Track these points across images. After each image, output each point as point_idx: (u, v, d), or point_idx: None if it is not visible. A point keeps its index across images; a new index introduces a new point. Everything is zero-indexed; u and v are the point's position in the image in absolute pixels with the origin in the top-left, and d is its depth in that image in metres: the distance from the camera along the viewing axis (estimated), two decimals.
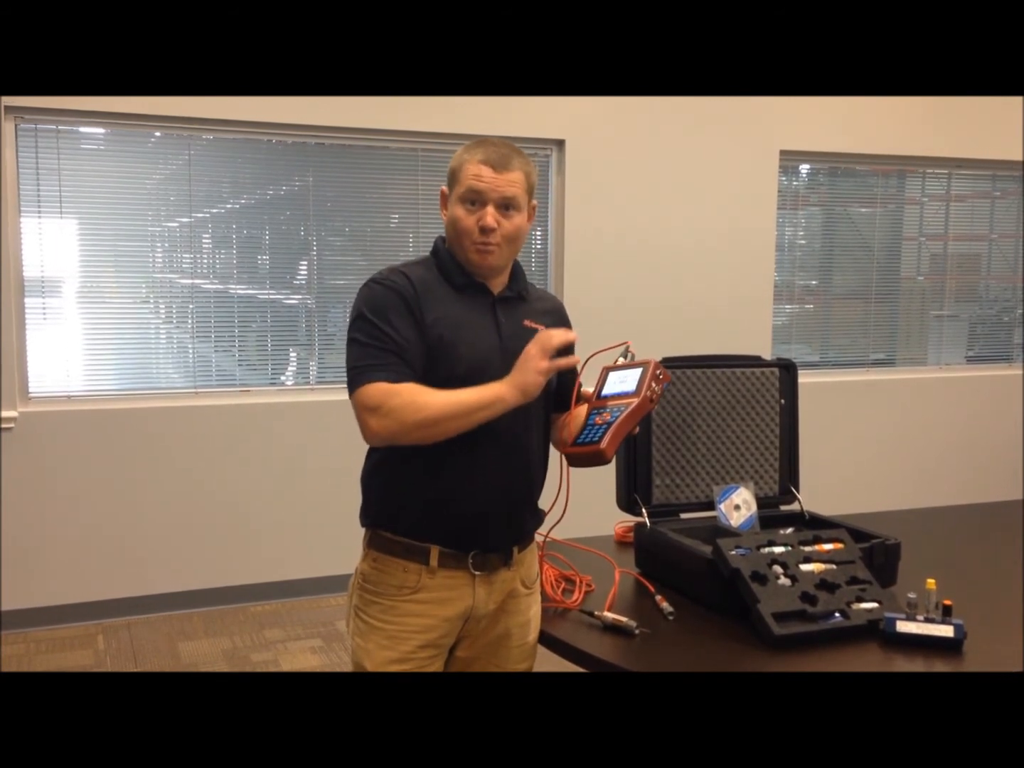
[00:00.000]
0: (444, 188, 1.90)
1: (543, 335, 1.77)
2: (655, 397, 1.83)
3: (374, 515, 1.89)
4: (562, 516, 1.93)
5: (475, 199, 1.82)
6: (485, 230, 1.81)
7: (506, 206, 1.83)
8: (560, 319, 2.02)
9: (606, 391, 1.88)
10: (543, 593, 2.08)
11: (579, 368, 2.06)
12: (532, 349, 1.75)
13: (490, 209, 1.81)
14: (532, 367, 1.73)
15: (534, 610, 1.99)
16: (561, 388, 1.99)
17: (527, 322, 1.92)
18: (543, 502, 1.97)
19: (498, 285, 1.91)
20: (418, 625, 1.83)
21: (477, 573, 1.85)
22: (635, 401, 1.81)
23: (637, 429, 1.90)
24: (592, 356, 1.94)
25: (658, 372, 1.84)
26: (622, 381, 1.86)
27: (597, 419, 1.82)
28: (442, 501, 1.82)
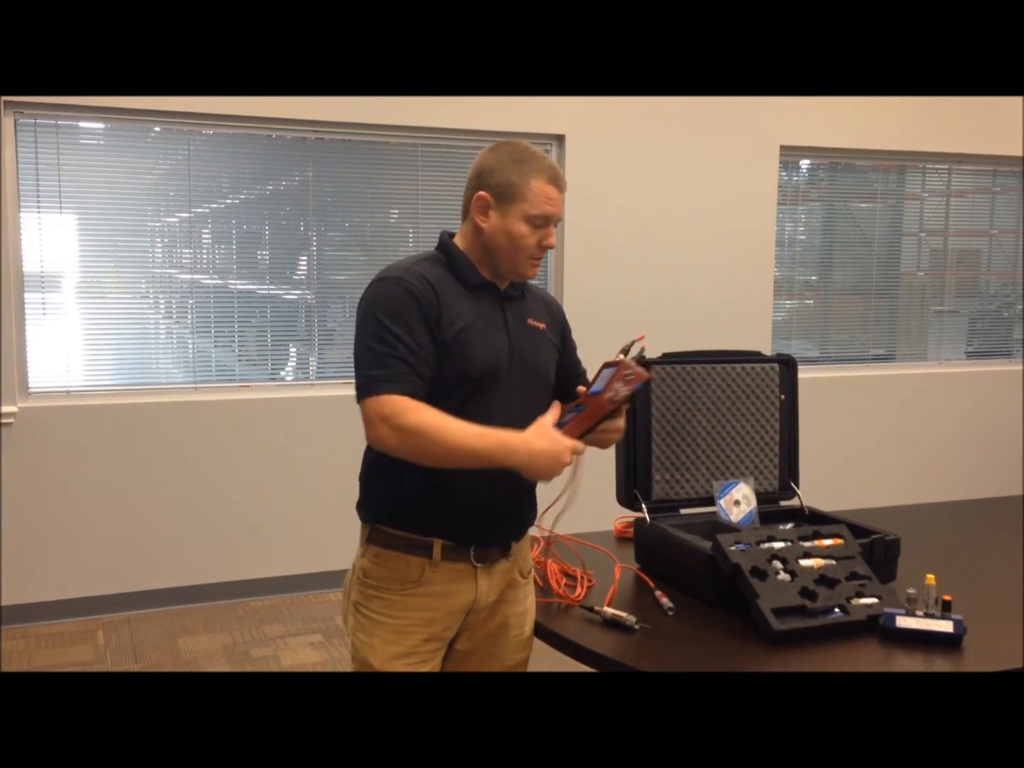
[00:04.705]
0: (486, 195, 1.84)
1: (581, 449, 1.77)
2: (618, 399, 1.77)
3: (375, 510, 1.89)
4: (563, 510, 1.92)
5: (544, 223, 1.84)
6: (548, 248, 1.87)
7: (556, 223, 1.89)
8: (558, 314, 2.06)
9: (594, 388, 1.85)
10: (548, 588, 2.09)
11: (586, 372, 2.07)
12: (569, 455, 1.74)
13: (552, 229, 1.86)
14: (559, 468, 1.74)
15: (530, 599, 2.02)
16: (561, 379, 2.02)
17: (530, 321, 1.95)
18: (552, 494, 1.97)
19: (503, 283, 1.92)
20: (422, 619, 1.83)
21: (479, 565, 1.87)
22: (591, 403, 1.79)
23: (618, 430, 1.88)
24: (623, 350, 1.92)
25: (627, 373, 1.77)
26: (603, 379, 1.81)
27: (566, 417, 1.81)
28: (445, 496, 1.82)
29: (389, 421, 1.72)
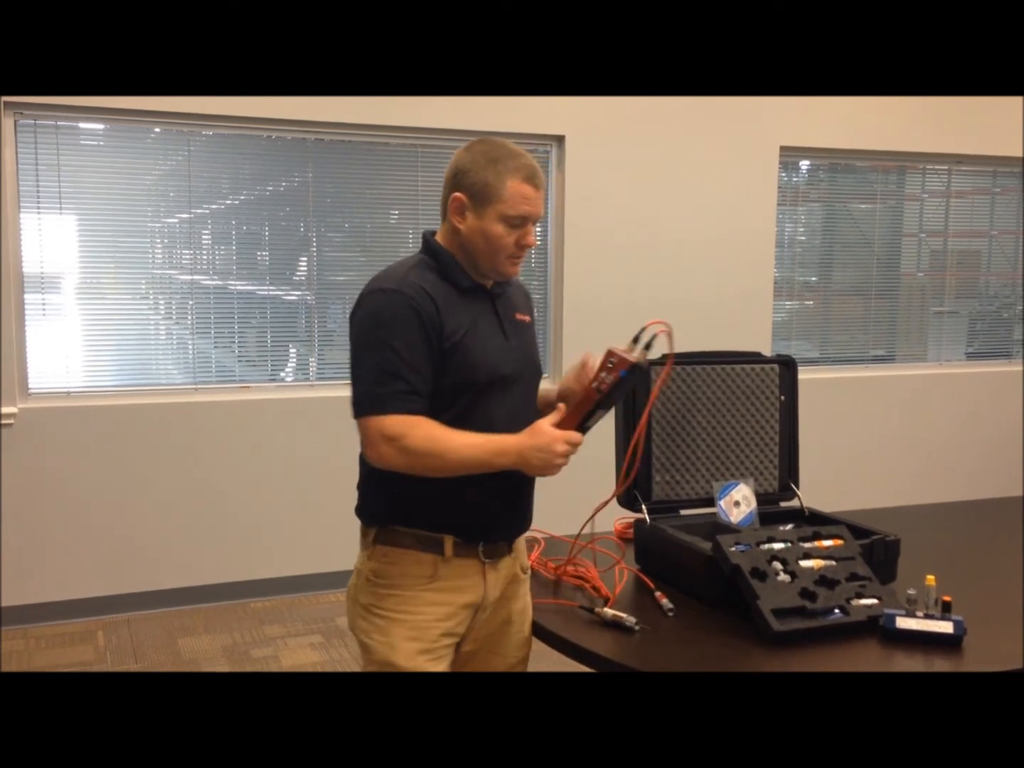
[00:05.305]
0: (462, 196, 1.81)
1: (576, 439, 1.78)
2: (603, 387, 1.79)
3: (381, 512, 1.88)
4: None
5: (522, 223, 1.82)
6: (528, 247, 1.85)
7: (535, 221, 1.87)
8: (529, 299, 2.08)
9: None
10: (557, 589, 2.14)
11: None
12: (561, 445, 1.75)
13: (531, 228, 1.84)
14: (554, 459, 1.75)
15: (529, 596, 2.04)
16: None
17: (517, 315, 1.96)
18: (597, 487, 1.97)
19: (488, 282, 1.92)
20: (439, 613, 1.84)
21: (487, 561, 1.88)
22: (583, 393, 1.81)
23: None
24: (634, 339, 1.91)
25: (609, 361, 1.79)
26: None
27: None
28: (454, 495, 1.82)
29: (394, 443, 1.74)
